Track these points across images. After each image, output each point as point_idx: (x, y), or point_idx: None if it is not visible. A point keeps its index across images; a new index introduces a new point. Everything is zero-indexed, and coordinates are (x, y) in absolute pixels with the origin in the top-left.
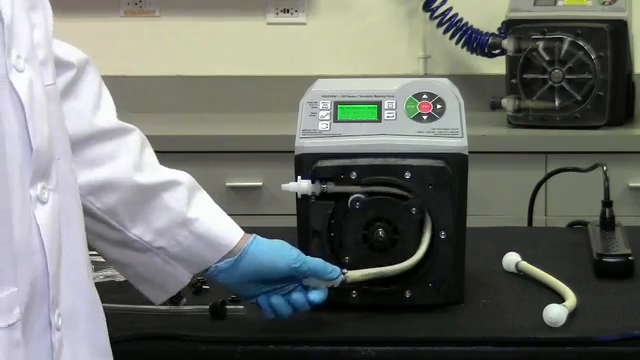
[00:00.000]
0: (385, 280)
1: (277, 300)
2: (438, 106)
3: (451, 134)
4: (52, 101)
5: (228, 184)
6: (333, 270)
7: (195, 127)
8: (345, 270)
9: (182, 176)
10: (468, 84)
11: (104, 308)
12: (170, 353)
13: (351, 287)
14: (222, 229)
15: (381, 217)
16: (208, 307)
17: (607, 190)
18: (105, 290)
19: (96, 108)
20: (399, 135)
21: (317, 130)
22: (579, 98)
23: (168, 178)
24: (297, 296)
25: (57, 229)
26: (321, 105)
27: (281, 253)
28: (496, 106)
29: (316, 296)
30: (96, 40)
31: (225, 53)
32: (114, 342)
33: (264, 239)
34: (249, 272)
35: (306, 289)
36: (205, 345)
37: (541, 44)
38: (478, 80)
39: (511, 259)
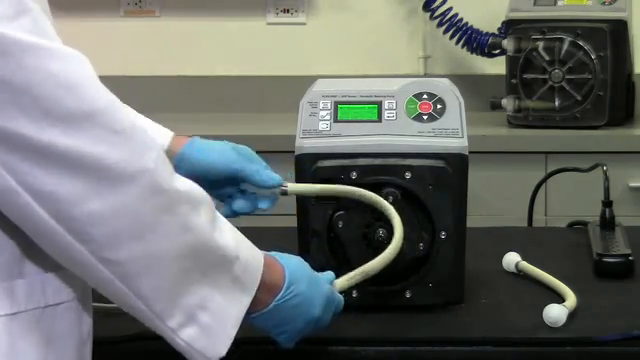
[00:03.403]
0: (386, 280)
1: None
2: (438, 106)
3: (451, 134)
4: None
5: None
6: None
7: (195, 127)
8: (286, 184)
9: None
10: (468, 84)
11: (104, 308)
12: (170, 353)
13: (351, 287)
14: (153, 132)
15: (381, 217)
16: None
17: (607, 190)
18: None
19: None
20: (399, 135)
21: (317, 130)
22: (579, 98)
23: None
24: (241, 203)
25: None
26: (321, 105)
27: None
28: (496, 106)
29: (265, 204)
30: (96, 40)
31: (225, 53)
32: (114, 342)
33: (203, 140)
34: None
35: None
36: None
37: (541, 44)
38: (478, 80)
39: (511, 259)
